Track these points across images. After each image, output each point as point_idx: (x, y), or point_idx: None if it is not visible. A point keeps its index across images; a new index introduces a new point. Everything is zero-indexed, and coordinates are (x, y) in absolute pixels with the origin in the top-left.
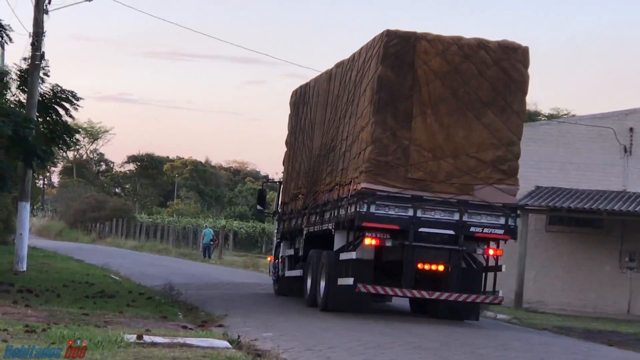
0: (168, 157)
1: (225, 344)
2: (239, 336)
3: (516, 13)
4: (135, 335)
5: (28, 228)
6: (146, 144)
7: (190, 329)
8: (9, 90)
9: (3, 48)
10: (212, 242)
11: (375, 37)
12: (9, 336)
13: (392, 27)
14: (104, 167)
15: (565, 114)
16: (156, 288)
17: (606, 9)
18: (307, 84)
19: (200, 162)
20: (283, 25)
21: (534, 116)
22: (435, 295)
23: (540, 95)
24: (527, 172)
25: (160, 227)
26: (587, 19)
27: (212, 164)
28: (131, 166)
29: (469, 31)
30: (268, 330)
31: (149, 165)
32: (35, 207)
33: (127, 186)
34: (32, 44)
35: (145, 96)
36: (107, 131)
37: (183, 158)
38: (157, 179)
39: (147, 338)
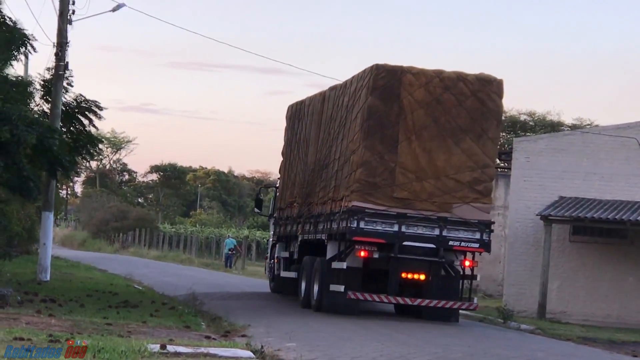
0: (191, 167)
1: (249, 354)
2: (262, 346)
3: (540, 23)
4: (158, 345)
5: (51, 238)
6: (169, 154)
7: (213, 338)
8: (32, 100)
9: (27, 58)
10: (230, 252)
11: (365, 69)
12: (33, 346)
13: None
14: (127, 177)
15: (589, 124)
16: (179, 298)
17: (629, 18)
18: (302, 101)
19: (223, 172)
20: (306, 35)
21: (556, 126)
22: (417, 301)
23: (563, 106)
24: (551, 182)
25: (183, 237)
26: (610, 28)
27: (235, 174)
28: (154, 176)
29: (492, 41)
30: (291, 340)
31: (171, 175)
32: (58, 217)
33: (150, 196)
34: (56, 54)
35: (168, 106)
36: (130, 141)
37: (206, 168)
38: (180, 189)
39: (170, 348)
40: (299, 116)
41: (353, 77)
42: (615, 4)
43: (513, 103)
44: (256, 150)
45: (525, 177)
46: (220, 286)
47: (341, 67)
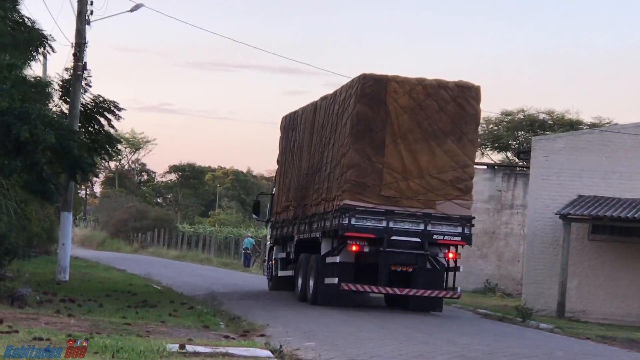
0: (210, 167)
1: (268, 353)
2: (281, 346)
3: (558, 21)
4: (177, 345)
5: (70, 238)
6: (188, 154)
7: (232, 338)
8: (51, 101)
9: (45, 58)
10: (245, 250)
11: (353, 79)
12: (52, 346)
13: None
14: (145, 177)
15: (608, 123)
16: (198, 297)
17: None
18: (295, 112)
19: (242, 172)
20: (324, 35)
21: (575, 125)
22: (405, 291)
23: (582, 104)
24: (569, 181)
25: (202, 237)
26: (629, 26)
27: (254, 173)
28: (173, 176)
29: (510, 39)
30: (310, 339)
31: (190, 175)
32: (77, 217)
33: (169, 196)
34: (74, 55)
35: (186, 106)
36: (149, 141)
37: (224, 168)
38: (199, 188)
39: (189, 347)
40: (293, 126)
41: (342, 86)
42: (634, 1)
43: (532, 102)
44: (274, 150)
45: (543, 175)
46: (239, 286)
47: (357, 66)
